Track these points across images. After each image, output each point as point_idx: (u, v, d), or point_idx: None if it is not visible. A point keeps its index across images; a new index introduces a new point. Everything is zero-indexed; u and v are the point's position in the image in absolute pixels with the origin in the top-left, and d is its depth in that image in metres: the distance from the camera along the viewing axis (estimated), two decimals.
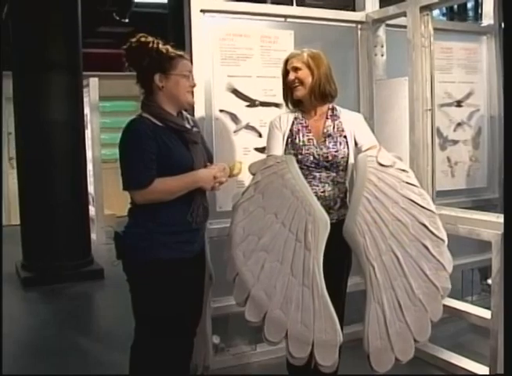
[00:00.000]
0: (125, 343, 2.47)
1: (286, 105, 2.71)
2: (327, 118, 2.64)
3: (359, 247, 2.34)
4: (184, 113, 2.42)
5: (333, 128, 2.62)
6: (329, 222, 2.32)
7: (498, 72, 3.94)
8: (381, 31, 3.48)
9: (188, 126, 2.36)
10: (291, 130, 2.62)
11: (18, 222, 5.63)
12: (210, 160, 2.55)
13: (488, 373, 2.89)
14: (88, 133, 7.04)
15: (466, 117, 3.94)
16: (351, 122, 2.66)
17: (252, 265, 2.34)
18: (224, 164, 2.50)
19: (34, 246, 5.35)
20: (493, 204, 3.90)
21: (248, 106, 3.22)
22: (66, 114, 5.27)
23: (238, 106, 3.20)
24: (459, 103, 3.88)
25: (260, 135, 3.25)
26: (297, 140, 2.59)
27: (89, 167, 6.96)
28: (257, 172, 2.44)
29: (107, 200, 7.34)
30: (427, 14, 3.11)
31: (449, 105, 3.85)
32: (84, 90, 6.96)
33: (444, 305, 3.12)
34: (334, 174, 2.60)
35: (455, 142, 3.90)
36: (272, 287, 2.31)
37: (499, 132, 3.96)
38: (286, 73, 2.63)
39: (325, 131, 2.61)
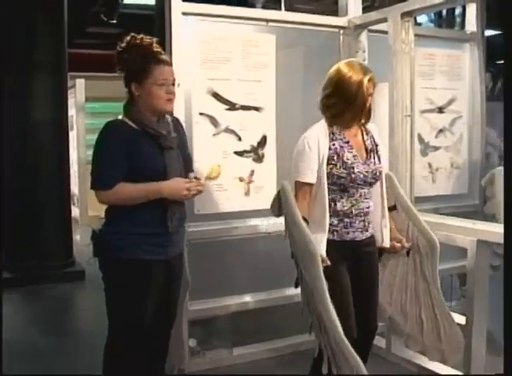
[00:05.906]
0: None
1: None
2: (362, 132, 2.54)
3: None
4: (167, 117, 2.40)
5: (370, 142, 2.54)
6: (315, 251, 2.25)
7: (480, 79, 3.96)
8: (363, 37, 3.48)
9: (164, 132, 2.34)
10: (330, 148, 2.43)
11: None
12: (189, 165, 2.54)
13: None
14: (73, 134, 7.00)
15: (448, 123, 3.93)
16: (378, 138, 2.61)
17: None
18: (201, 181, 2.47)
19: (16, 247, 5.29)
20: (473, 210, 3.92)
21: (228, 109, 3.20)
22: (50, 115, 5.25)
23: (218, 110, 3.18)
24: (441, 110, 3.88)
25: (239, 139, 3.24)
26: (345, 158, 2.43)
27: (74, 168, 6.93)
28: None
29: (91, 201, 7.26)
30: (408, 20, 3.11)
31: (431, 111, 3.85)
32: (71, 91, 6.93)
33: None
34: (371, 188, 2.54)
35: (436, 148, 3.90)
36: None
37: (481, 139, 3.98)
38: (366, 94, 2.41)
39: (366, 145, 2.51)
